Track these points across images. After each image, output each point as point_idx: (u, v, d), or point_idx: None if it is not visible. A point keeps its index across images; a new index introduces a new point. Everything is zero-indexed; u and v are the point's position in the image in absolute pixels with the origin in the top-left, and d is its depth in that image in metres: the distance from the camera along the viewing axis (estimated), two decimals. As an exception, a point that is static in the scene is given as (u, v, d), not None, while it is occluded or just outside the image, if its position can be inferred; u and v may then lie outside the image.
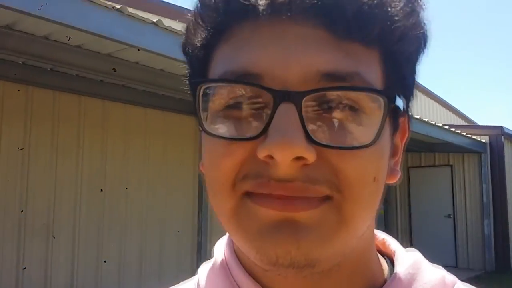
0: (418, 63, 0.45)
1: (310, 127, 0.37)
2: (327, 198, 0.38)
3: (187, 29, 0.46)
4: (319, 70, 0.38)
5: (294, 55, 0.38)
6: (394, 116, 0.43)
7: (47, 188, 4.66)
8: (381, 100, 0.39)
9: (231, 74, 0.40)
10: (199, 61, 0.45)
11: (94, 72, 4.57)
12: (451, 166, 10.18)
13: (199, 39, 0.44)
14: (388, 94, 0.39)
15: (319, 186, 0.38)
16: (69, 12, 3.10)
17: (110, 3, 3.34)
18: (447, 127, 8.66)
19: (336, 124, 0.38)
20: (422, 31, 0.43)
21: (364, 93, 0.39)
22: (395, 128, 0.45)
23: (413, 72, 0.46)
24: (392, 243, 0.54)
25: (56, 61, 4.22)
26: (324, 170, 0.38)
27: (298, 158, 0.36)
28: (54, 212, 4.69)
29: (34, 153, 4.56)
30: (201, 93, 0.40)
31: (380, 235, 0.55)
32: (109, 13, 3.33)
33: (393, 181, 0.47)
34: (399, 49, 0.41)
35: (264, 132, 0.37)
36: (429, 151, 9.90)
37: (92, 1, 3.19)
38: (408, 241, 10.29)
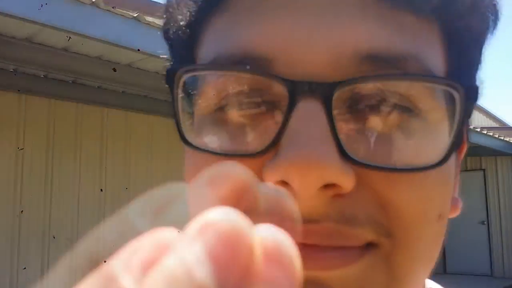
0: (485, 47, 0.32)
1: (346, 136, 0.25)
2: (371, 246, 0.26)
3: (168, 4, 0.34)
4: (358, 50, 0.26)
5: (320, 29, 0.26)
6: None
7: (71, 201, 4.66)
8: (456, 96, 0.26)
9: (225, 59, 0.28)
10: (183, 46, 0.33)
11: (115, 83, 4.56)
12: (484, 170, 9.92)
13: (184, 16, 0.32)
14: (468, 88, 0.26)
15: (360, 228, 0.25)
16: (85, 21, 3.08)
17: (127, 11, 3.32)
18: (478, 129, 8.41)
19: (384, 134, 0.26)
20: (494, 3, 0.30)
21: (434, 84, 0.26)
22: (460, 139, 0.32)
23: (479, 59, 0.33)
24: None
25: (78, 73, 4.23)
26: (367, 204, 0.25)
27: (329, 186, 0.24)
28: (78, 227, 4.69)
29: (57, 166, 4.57)
30: (181, 88, 0.28)
31: (426, 283, 0.40)
32: (128, 22, 3.32)
33: (454, 214, 0.33)
34: (466, 25, 0.30)
35: (274, 144, 0.25)
36: (459, 155, 9.65)
37: (109, 10, 3.17)
38: (441, 250, 10.05)
